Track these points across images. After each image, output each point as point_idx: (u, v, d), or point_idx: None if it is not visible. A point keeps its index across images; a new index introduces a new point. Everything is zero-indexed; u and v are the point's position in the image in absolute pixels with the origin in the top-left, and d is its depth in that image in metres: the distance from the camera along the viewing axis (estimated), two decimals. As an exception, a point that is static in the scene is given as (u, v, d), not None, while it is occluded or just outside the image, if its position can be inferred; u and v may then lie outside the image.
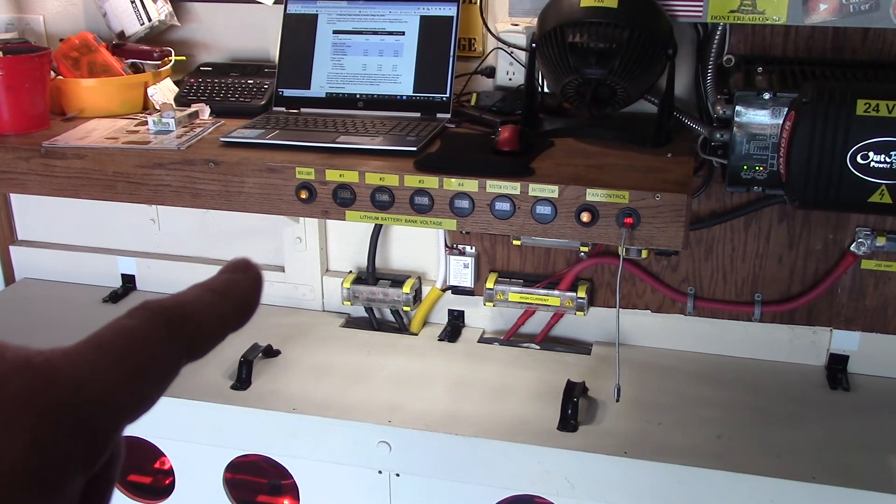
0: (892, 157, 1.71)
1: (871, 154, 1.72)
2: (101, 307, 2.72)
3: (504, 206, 1.79)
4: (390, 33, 2.23)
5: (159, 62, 2.36)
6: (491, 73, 2.31)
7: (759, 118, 1.90)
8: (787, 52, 2.12)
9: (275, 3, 2.36)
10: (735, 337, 2.38)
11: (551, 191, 1.75)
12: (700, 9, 1.97)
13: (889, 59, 2.07)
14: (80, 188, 2.00)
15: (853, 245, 2.20)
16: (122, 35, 2.47)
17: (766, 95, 1.88)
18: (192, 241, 2.75)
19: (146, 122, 2.12)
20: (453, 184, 1.80)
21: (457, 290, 2.53)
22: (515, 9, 2.08)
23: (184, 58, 2.46)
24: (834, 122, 1.73)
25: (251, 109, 2.24)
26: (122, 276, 2.82)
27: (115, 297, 2.76)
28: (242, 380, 2.27)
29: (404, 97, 2.20)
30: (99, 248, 2.84)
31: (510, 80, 2.29)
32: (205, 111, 2.23)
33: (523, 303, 2.44)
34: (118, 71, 2.28)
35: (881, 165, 1.72)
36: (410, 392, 2.25)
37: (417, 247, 2.56)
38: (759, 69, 2.04)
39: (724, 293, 2.36)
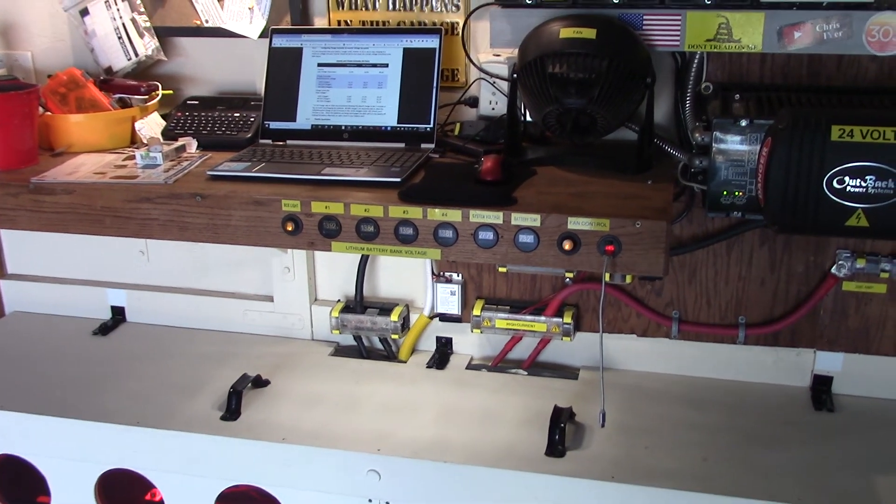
0: (868, 182, 1.75)
1: (846, 179, 1.76)
2: (91, 340, 2.73)
3: (487, 235, 1.81)
4: (374, 65, 2.26)
5: (146, 96, 2.39)
6: (474, 102, 2.35)
7: (736, 145, 1.94)
8: (763, 79, 2.16)
9: (260, 36, 2.40)
10: (720, 359, 2.41)
11: (533, 220, 1.78)
12: (677, 38, 2.01)
13: (864, 84, 2.11)
14: (69, 223, 2.02)
15: (834, 267, 2.23)
16: (109, 70, 2.50)
17: (744, 122, 1.92)
18: (182, 272, 2.77)
19: (134, 157, 2.15)
20: (437, 214, 1.83)
21: (444, 318, 2.55)
22: (497, 40, 2.12)
23: (171, 92, 2.49)
24: (809, 147, 1.77)
25: (238, 142, 2.27)
26: (112, 308, 2.83)
27: (105, 329, 2.77)
28: (232, 410, 2.28)
29: (389, 128, 2.23)
30: (88, 280, 2.85)
31: (493, 109, 2.32)
32: (192, 144, 2.25)
33: (510, 329, 2.46)
34: (106, 106, 2.30)
35: (857, 190, 1.76)
36: (399, 420, 2.26)
37: (405, 275, 2.58)
38: (737, 96, 2.08)
39: (708, 316, 2.38)
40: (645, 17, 2.01)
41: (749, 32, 1.97)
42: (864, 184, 1.75)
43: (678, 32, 2.01)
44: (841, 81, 2.12)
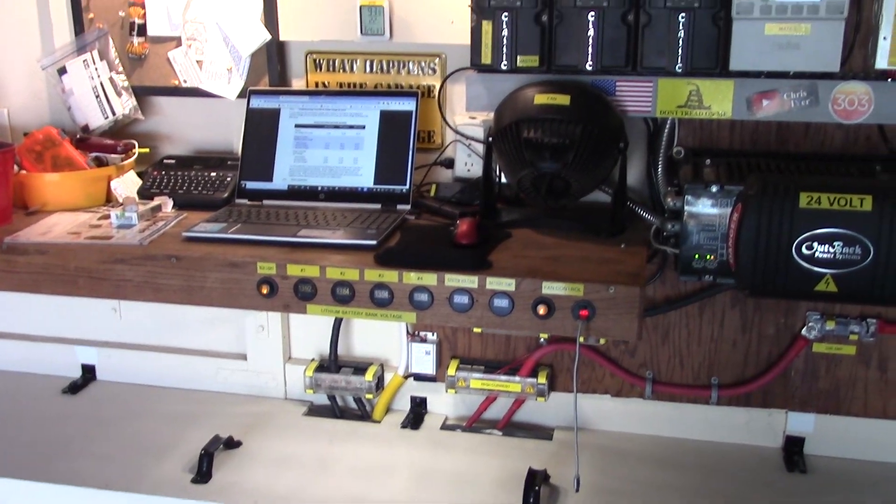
0: (836, 248, 1.78)
1: (815, 244, 1.79)
2: (60, 399, 2.69)
3: (463, 299, 1.82)
4: (351, 127, 2.28)
5: (123, 155, 2.39)
6: (450, 164, 2.37)
7: (707, 210, 1.97)
8: (733, 145, 2.21)
9: (238, 97, 2.42)
10: (693, 420, 2.42)
11: (508, 284, 1.79)
12: (649, 104, 2.06)
13: (831, 150, 2.16)
14: (42, 284, 2.00)
15: (804, 329, 2.26)
16: (86, 128, 2.50)
17: (714, 188, 1.96)
18: (154, 329, 2.74)
19: (109, 216, 2.14)
20: (412, 278, 1.83)
21: (419, 377, 2.55)
22: (473, 104, 2.15)
23: (147, 150, 2.49)
24: (779, 214, 1.80)
25: (214, 202, 2.27)
26: (82, 366, 2.80)
27: (74, 388, 2.74)
28: (203, 473, 2.25)
29: (365, 189, 2.24)
30: (58, 337, 2.82)
31: (468, 170, 2.35)
32: (168, 204, 2.25)
33: (485, 389, 2.46)
34: (81, 165, 2.30)
35: (825, 255, 1.79)
36: (373, 482, 2.24)
37: (379, 334, 2.58)
38: (707, 161, 2.12)
39: (681, 377, 2.40)
40: (617, 83, 2.05)
41: (719, 100, 2.02)
42: (832, 250, 1.78)
43: (650, 99, 2.05)
44: (809, 148, 2.17)
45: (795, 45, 1.95)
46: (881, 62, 1.90)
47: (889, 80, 1.96)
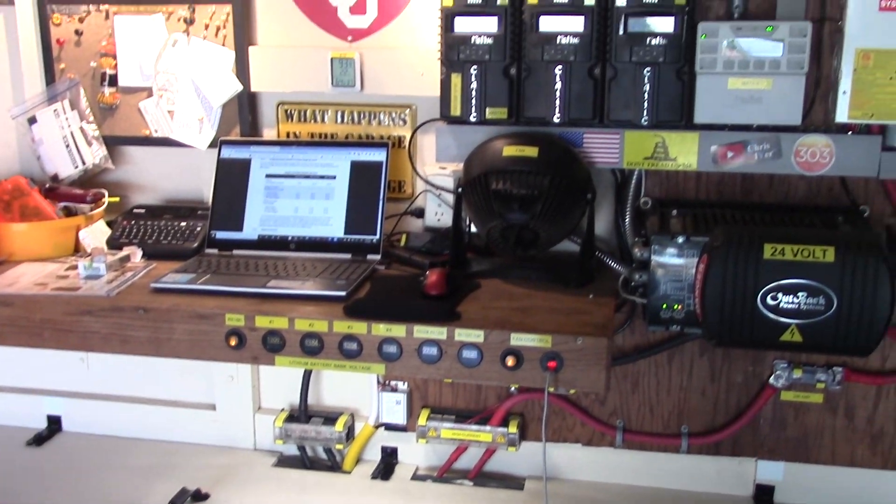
0: (800, 298, 1.81)
1: (780, 295, 1.82)
2: (24, 451, 2.64)
3: (431, 350, 1.82)
4: (322, 177, 2.29)
5: (92, 205, 2.38)
6: (420, 213, 2.39)
7: (674, 260, 1.99)
8: (700, 195, 2.24)
9: (209, 147, 2.43)
10: (664, 469, 2.42)
11: (477, 335, 1.80)
12: (616, 156, 2.09)
13: (794, 201, 2.20)
14: (6, 336, 1.98)
15: (772, 377, 2.28)
16: (55, 178, 2.50)
17: (680, 239, 1.98)
18: (122, 379, 2.71)
19: (77, 267, 2.13)
20: (381, 329, 1.83)
21: (390, 427, 2.53)
22: (442, 155, 2.18)
23: (117, 199, 2.49)
24: (744, 265, 1.83)
25: (184, 252, 2.26)
26: (48, 417, 2.75)
27: (39, 439, 2.70)
28: (169, 527, 2.22)
29: (335, 239, 2.25)
30: (22, 388, 2.78)
31: (439, 220, 2.36)
32: (136, 254, 2.24)
33: (456, 439, 2.45)
34: (50, 215, 2.29)
35: (790, 306, 1.81)
36: (342, 535, 2.22)
37: (350, 383, 2.56)
38: (674, 212, 2.15)
39: (651, 426, 2.40)
40: (585, 135, 2.09)
41: (684, 151, 2.05)
42: (796, 300, 1.81)
43: (617, 151, 2.08)
44: (773, 199, 2.21)
45: (758, 99, 2.00)
46: (841, 116, 1.95)
47: (849, 132, 2.01)
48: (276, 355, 1.89)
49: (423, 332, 1.82)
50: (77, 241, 2.30)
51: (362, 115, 2.41)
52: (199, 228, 2.32)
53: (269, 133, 2.47)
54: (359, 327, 1.84)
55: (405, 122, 2.39)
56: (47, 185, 2.43)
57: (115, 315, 1.93)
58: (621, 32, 2.00)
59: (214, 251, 2.27)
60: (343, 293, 1.94)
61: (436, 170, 2.34)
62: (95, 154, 2.49)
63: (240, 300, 1.95)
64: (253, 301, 1.94)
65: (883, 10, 1.87)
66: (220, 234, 2.29)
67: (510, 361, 1.78)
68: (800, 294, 1.81)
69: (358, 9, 2.33)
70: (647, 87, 2.01)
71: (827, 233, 1.93)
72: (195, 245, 2.29)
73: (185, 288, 2.00)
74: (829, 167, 2.01)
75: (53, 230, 2.28)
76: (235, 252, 2.27)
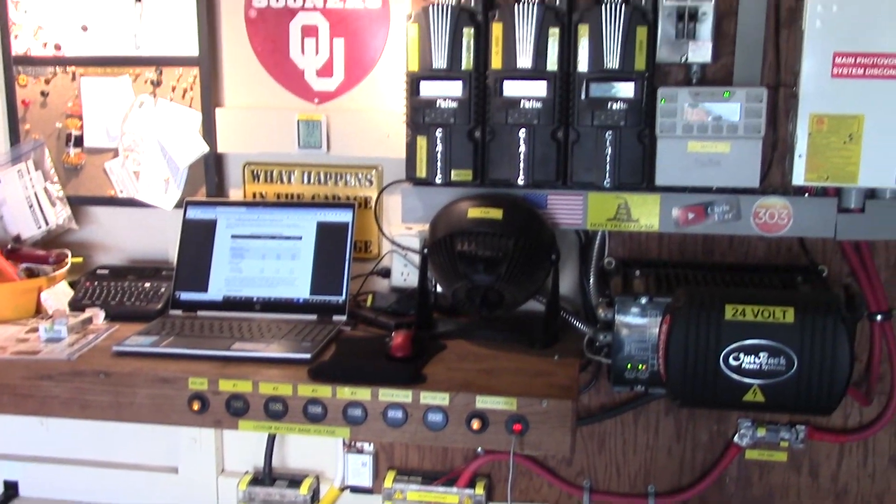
0: (762, 359, 1.83)
1: (741, 355, 1.84)
2: (-21, 517, 2.58)
3: (397, 414, 1.81)
4: (288, 238, 2.30)
5: (55, 266, 2.36)
6: (386, 273, 2.39)
7: (638, 321, 2.01)
8: (662, 255, 2.27)
9: (175, 207, 2.43)
10: (632, 529, 2.41)
11: (442, 398, 1.80)
12: (580, 217, 2.12)
13: (754, 261, 2.23)
14: (-37, 401, 1.95)
15: (737, 436, 2.29)
16: (18, 238, 2.48)
17: (643, 300, 2.00)
18: (83, 442, 2.66)
19: (37, 329, 2.10)
20: (346, 392, 1.83)
21: (355, 489, 2.50)
22: (408, 216, 2.20)
23: (81, 260, 2.47)
24: (706, 326, 1.85)
25: (147, 313, 2.24)
26: (4, 482, 2.69)
27: (-5, 506, 2.64)
28: None
29: (301, 300, 2.24)
30: (-20, 452, 2.72)
31: (405, 280, 2.37)
32: (99, 316, 2.22)
33: (422, 501, 2.42)
34: (11, 276, 2.27)
35: (752, 366, 1.83)
36: None
37: (315, 445, 2.53)
38: (637, 272, 2.18)
39: (618, 485, 2.39)
40: (549, 197, 2.12)
41: (646, 213, 2.09)
42: (758, 360, 1.83)
43: (581, 212, 2.11)
44: (733, 258, 2.24)
45: (717, 162, 2.04)
46: (798, 179, 1.99)
47: (806, 195, 2.05)
48: (239, 419, 1.87)
49: (388, 395, 1.81)
50: (39, 302, 2.28)
51: (329, 176, 2.42)
52: (163, 289, 2.31)
53: (235, 193, 2.47)
54: (323, 391, 1.83)
55: (372, 182, 2.41)
56: (9, 246, 2.41)
57: (75, 379, 1.91)
58: (583, 97, 2.04)
59: (179, 312, 2.26)
60: (308, 356, 1.94)
61: (402, 230, 2.35)
62: (59, 214, 2.48)
63: (203, 363, 1.93)
64: (217, 364, 1.93)
65: (835, 77, 1.93)
66: (185, 296, 2.28)
67: (475, 424, 1.78)
68: (761, 354, 1.83)
69: (325, 72, 2.36)
70: (608, 150, 2.05)
71: (786, 293, 1.96)
72: (159, 306, 2.27)
73: (147, 351, 1.98)
74: (787, 228, 2.05)
75: (14, 292, 2.25)
76: (200, 313, 2.25)
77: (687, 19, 2.02)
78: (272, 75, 2.39)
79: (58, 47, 2.44)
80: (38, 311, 2.28)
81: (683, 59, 2.05)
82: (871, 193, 2.03)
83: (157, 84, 2.41)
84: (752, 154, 2.02)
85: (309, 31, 2.34)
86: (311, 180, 2.43)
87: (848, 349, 1.81)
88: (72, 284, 2.38)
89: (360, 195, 2.41)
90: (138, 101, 2.41)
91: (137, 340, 2.03)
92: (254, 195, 2.46)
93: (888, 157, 1.94)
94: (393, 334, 2.00)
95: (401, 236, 2.35)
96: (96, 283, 2.35)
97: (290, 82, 2.38)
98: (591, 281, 2.24)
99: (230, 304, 2.26)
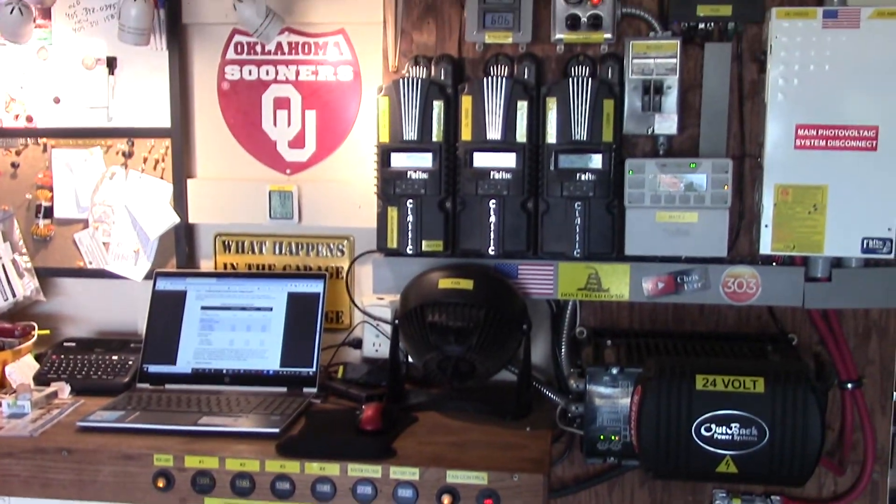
0: (734, 429, 1.82)
1: (713, 426, 1.82)
2: None
3: (366, 489, 1.78)
4: (258, 309, 2.28)
5: (21, 339, 2.33)
6: (358, 344, 2.37)
7: (609, 392, 2.00)
8: (633, 325, 2.27)
9: (144, 279, 2.41)
10: None
11: (412, 473, 1.77)
12: (551, 287, 2.12)
13: (725, 329, 2.24)
14: (-80, 480, 1.89)
15: (712, 507, 2.27)
16: (-17, 310, 2.45)
17: (615, 370, 2.00)
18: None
19: (0, 404, 2.06)
20: (315, 468, 1.80)
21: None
22: (379, 287, 2.19)
23: (48, 332, 2.44)
24: (677, 396, 1.84)
25: (114, 387, 2.21)
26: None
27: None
28: None
29: (271, 372, 2.22)
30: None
31: (377, 350, 2.35)
32: (64, 390, 2.18)
33: (395, 577, 2.36)
34: (-24, 350, 2.24)
35: (724, 437, 1.82)
36: None
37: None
38: (609, 342, 2.18)
39: (594, 560, 2.36)
40: (520, 267, 2.12)
41: (616, 283, 2.09)
42: (730, 431, 1.82)
43: (551, 282, 2.12)
44: (704, 327, 2.25)
45: (685, 232, 2.06)
46: (765, 248, 2.01)
47: (774, 263, 2.07)
48: (205, 497, 1.83)
49: (357, 470, 1.78)
50: (3, 376, 2.24)
51: (300, 247, 2.42)
52: (131, 362, 2.27)
53: (206, 264, 2.46)
54: (291, 466, 1.80)
55: (343, 252, 2.40)
56: (-25, 319, 2.38)
57: (37, 457, 1.86)
58: (552, 168, 2.06)
59: (146, 386, 2.22)
60: (276, 430, 1.91)
61: (373, 300, 2.34)
62: (26, 286, 2.45)
63: (170, 438, 1.90)
64: (183, 439, 1.89)
65: (798, 148, 1.97)
66: (153, 368, 2.25)
67: (446, 500, 1.75)
68: (733, 425, 1.82)
69: (297, 143, 2.37)
70: (578, 221, 2.07)
71: (756, 363, 1.96)
72: (126, 380, 2.23)
73: (112, 426, 1.95)
74: (755, 297, 2.06)
75: (-22, 366, 2.22)
76: (168, 386, 2.22)
77: (653, 92, 2.05)
78: (244, 146, 2.40)
79: (30, 119, 2.44)
80: (3, 385, 2.24)
81: (650, 131, 2.08)
82: (838, 262, 2.05)
83: (128, 155, 2.41)
84: (720, 224, 2.04)
85: (281, 104, 2.37)
86: (283, 251, 2.43)
87: (819, 419, 1.80)
88: (38, 357, 2.35)
89: (331, 265, 2.41)
90: (109, 172, 2.41)
91: (102, 415, 1.99)
92: (225, 266, 2.45)
93: (853, 227, 1.97)
94: (363, 407, 1.98)
95: (372, 307, 2.34)
96: (63, 356, 2.31)
97: (262, 153, 2.39)
98: (563, 351, 2.24)
99: (199, 376, 2.23)
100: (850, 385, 2.16)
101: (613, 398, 2.00)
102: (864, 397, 2.18)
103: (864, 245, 1.99)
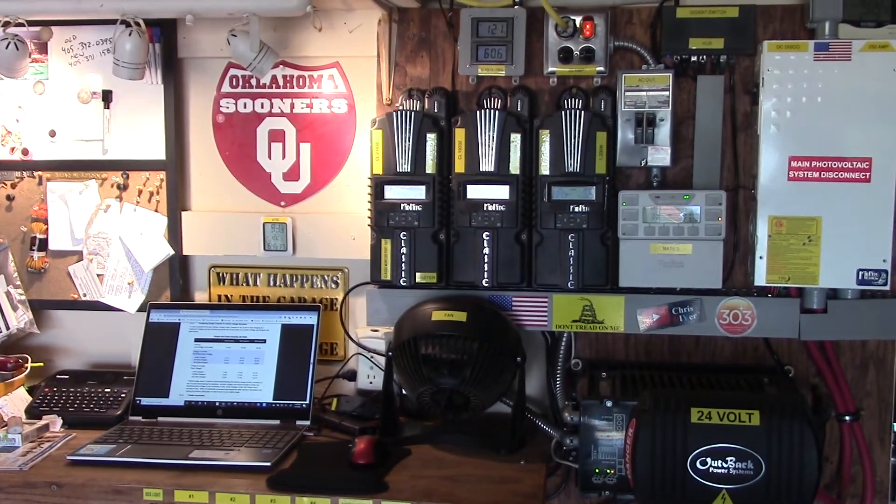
0: (729, 463, 1.80)
1: (709, 460, 1.80)
2: None
3: (357, 524, 1.77)
4: (252, 341, 2.27)
5: (14, 371, 2.32)
6: (352, 376, 2.36)
7: (604, 425, 1.98)
8: (629, 356, 2.26)
9: (138, 311, 2.40)
10: None
11: (404, 508, 1.75)
12: (545, 318, 2.11)
13: (721, 361, 2.23)
14: None
15: (710, 542, 2.24)
16: (-23, 343, 2.44)
17: (609, 403, 1.98)
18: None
19: (-9, 438, 2.05)
20: (305, 502, 1.78)
21: None
22: (373, 319, 2.18)
23: (41, 364, 2.43)
24: (672, 429, 1.82)
25: (106, 420, 2.19)
26: None
27: None
28: None
29: (264, 405, 2.21)
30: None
31: (371, 383, 2.34)
32: (56, 423, 2.17)
33: None
34: (-33, 383, 2.23)
35: (720, 471, 1.80)
36: None
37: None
38: (604, 374, 2.16)
39: None
40: (514, 299, 2.12)
41: (611, 314, 2.08)
42: (725, 465, 1.80)
43: (546, 313, 2.11)
44: (700, 359, 2.23)
45: (679, 264, 2.05)
46: (759, 279, 2.01)
47: (769, 295, 2.06)
48: (195, 532, 1.81)
49: (348, 505, 1.77)
50: (-5, 410, 2.23)
51: (294, 278, 2.42)
52: (123, 395, 2.26)
53: (200, 296, 2.45)
54: (282, 501, 1.78)
55: (338, 284, 2.40)
56: (-32, 351, 2.37)
57: (26, 491, 1.85)
58: (546, 200, 2.06)
59: (139, 419, 2.21)
60: (268, 464, 1.89)
61: (368, 332, 2.33)
62: (20, 319, 2.44)
63: (160, 472, 1.88)
64: (173, 473, 1.88)
65: (791, 180, 1.97)
66: (146, 401, 2.23)
67: (438, 535, 1.73)
68: (728, 459, 1.80)
69: (291, 175, 2.38)
70: (572, 252, 2.06)
71: (752, 396, 1.95)
72: (119, 412, 2.22)
73: (102, 460, 1.93)
74: (751, 329, 2.05)
75: (-30, 399, 2.21)
76: (161, 419, 2.21)
77: (645, 124, 2.06)
78: (239, 179, 2.40)
79: (25, 152, 2.45)
80: (-6, 418, 2.23)
81: (643, 163, 2.08)
82: (833, 294, 2.04)
83: (123, 188, 2.41)
84: (714, 255, 2.04)
85: (276, 136, 2.37)
86: (278, 282, 2.42)
87: (815, 452, 1.78)
88: (32, 390, 2.34)
89: (326, 297, 2.40)
90: (104, 204, 2.42)
91: (93, 449, 1.98)
92: (219, 297, 2.44)
93: (848, 258, 1.97)
94: (356, 440, 1.96)
95: (367, 339, 2.33)
96: (55, 388, 2.30)
97: (256, 186, 2.40)
98: (558, 383, 2.22)
99: (192, 409, 2.22)
100: (848, 417, 2.14)
101: (608, 431, 1.98)
102: (863, 430, 2.16)
103: (860, 276, 1.98)
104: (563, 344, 2.23)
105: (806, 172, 1.96)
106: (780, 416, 1.80)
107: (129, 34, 2.12)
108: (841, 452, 2.17)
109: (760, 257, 2.00)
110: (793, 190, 1.97)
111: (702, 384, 2.07)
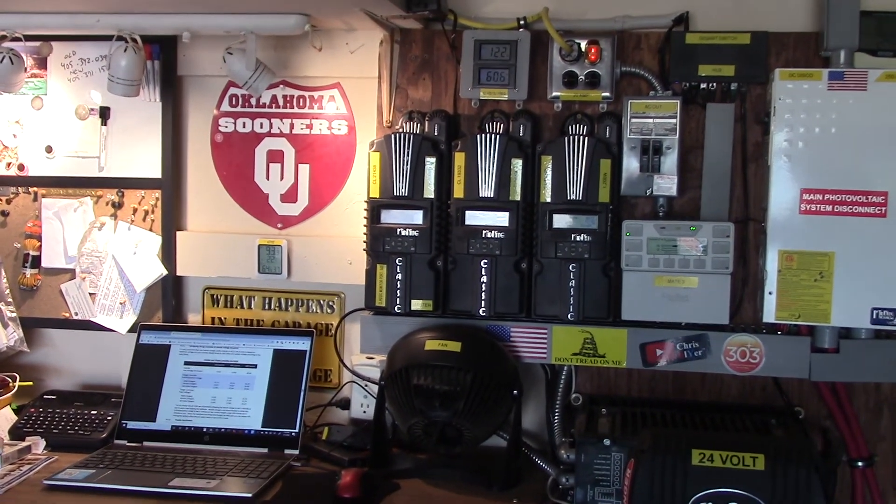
0: (731, 509, 1.71)
1: (710, 505, 1.72)
2: None
3: (337, 562, 1.69)
4: (243, 366, 2.21)
5: (1, 390, 2.27)
6: (346, 404, 2.29)
7: (601, 464, 1.90)
8: (631, 392, 2.17)
9: (129, 331, 2.35)
10: None
11: (386, 552, 1.68)
12: (545, 351, 2.04)
13: (727, 400, 2.14)
14: None
15: (712, 589, 2.14)
16: (-34, 360, 2.40)
17: (607, 441, 1.90)
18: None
19: (-30, 459, 1.99)
20: (284, 537, 1.71)
21: None
22: (367, 346, 2.12)
23: (31, 383, 2.38)
24: (671, 471, 1.73)
25: (90, 443, 2.14)
26: None
27: None
28: None
29: (252, 432, 2.14)
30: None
31: (365, 412, 2.26)
32: (39, 445, 2.11)
33: None
34: (-49, 402, 2.18)
35: (721, 517, 1.71)
36: None
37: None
38: (604, 410, 2.07)
39: None
40: (512, 329, 2.05)
41: (613, 348, 2.01)
42: (728, 511, 1.71)
43: (545, 345, 2.04)
44: (706, 397, 2.14)
45: (685, 297, 1.97)
46: (768, 316, 1.93)
47: (779, 332, 1.98)
48: (169, 564, 1.74)
49: (328, 544, 1.69)
50: (-22, 429, 2.18)
51: (290, 302, 2.36)
52: (109, 417, 2.21)
53: (194, 318, 2.40)
54: (260, 535, 1.71)
55: (333, 309, 2.34)
56: (-45, 369, 2.33)
57: (-2, 516, 1.79)
58: (547, 228, 1.99)
59: (124, 442, 2.15)
60: (248, 495, 1.82)
61: (363, 360, 2.26)
62: (10, 336, 2.40)
63: (138, 500, 1.82)
64: (152, 501, 1.81)
65: (803, 213, 1.89)
66: (132, 425, 2.18)
67: (421, 577, 1.65)
68: (731, 504, 1.71)
69: (289, 197, 2.33)
70: (573, 283, 1.99)
71: (757, 439, 1.86)
72: (104, 436, 2.16)
73: (79, 486, 1.87)
74: (759, 368, 1.97)
75: (-47, 419, 2.16)
76: (146, 444, 2.14)
77: (651, 153, 1.99)
78: (236, 199, 2.35)
79: (21, 168, 2.41)
80: (-22, 438, 2.18)
81: (649, 192, 2.01)
82: (846, 333, 1.96)
83: (118, 206, 2.37)
84: (721, 289, 1.96)
85: (274, 157, 2.33)
86: (272, 306, 2.36)
87: (823, 500, 1.69)
88: (19, 409, 2.28)
89: (322, 322, 2.34)
90: (98, 222, 2.38)
91: (72, 474, 1.92)
92: (213, 320, 2.38)
93: (861, 297, 1.88)
94: (342, 472, 1.89)
95: (361, 366, 2.26)
96: (41, 409, 2.25)
97: (253, 207, 2.35)
98: (557, 418, 2.14)
99: (178, 434, 2.16)
100: (860, 463, 2.04)
101: (605, 471, 1.90)
102: (876, 476, 2.06)
103: (874, 316, 1.89)
104: (563, 377, 2.15)
105: (819, 206, 1.88)
106: (787, 460, 1.71)
107: (125, 50, 2.08)
108: (853, 499, 2.07)
109: (770, 293, 1.92)
110: (804, 224, 1.89)
111: (706, 424, 1.98)
